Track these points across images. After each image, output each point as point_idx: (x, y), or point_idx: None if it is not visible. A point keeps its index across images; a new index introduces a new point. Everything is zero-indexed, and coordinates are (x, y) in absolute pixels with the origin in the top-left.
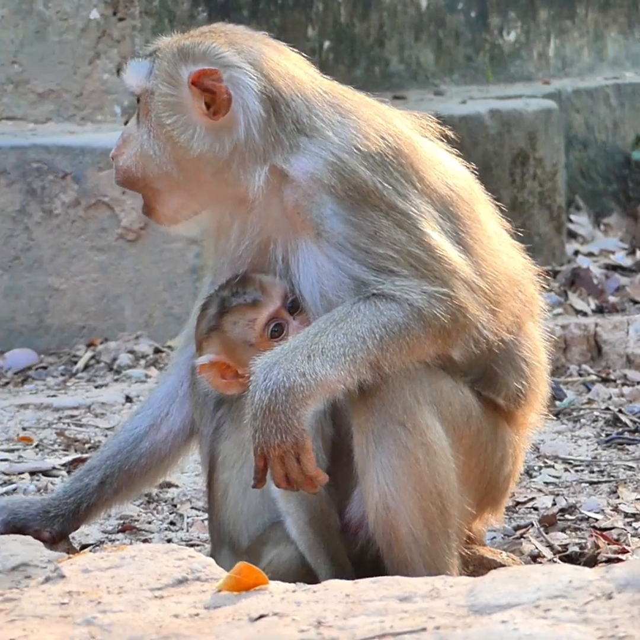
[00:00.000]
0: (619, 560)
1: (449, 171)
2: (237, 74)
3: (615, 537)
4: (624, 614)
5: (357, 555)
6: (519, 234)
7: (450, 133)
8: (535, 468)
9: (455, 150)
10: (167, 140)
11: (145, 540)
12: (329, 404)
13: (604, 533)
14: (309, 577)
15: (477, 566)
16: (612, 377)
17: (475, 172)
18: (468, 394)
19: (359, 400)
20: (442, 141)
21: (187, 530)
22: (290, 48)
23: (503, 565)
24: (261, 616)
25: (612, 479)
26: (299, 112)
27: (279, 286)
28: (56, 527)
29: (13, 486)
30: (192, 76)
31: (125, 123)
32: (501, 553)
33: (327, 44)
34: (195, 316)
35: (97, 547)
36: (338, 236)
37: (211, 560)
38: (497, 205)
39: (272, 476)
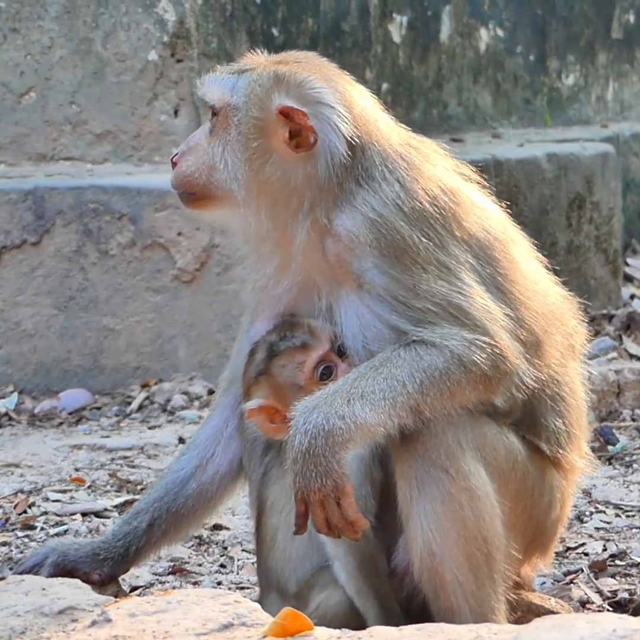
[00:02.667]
0: None
1: (485, 213)
2: (330, 115)
3: None
4: None
5: (404, 602)
6: (575, 277)
7: (506, 177)
8: (587, 513)
9: (513, 193)
10: (241, 159)
11: (195, 583)
12: (378, 448)
13: None
14: (357, 622)
15: (525, 612)
16: None
17: (532, 215)
18: (513, 439)
19: (402, 446)
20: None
21: (237, 573)
22: None
23: (551, 611)
24: None
25: None
26: (371, 161)
27: (326, 330)
28: (106, 570)
29: (65, 527)
30: (282, 108)
31: None
32: (550, 599)
33: (385, 86)
34: (240, 359)
35: (147, 589)
36: (378, 288)
37: (257, 606)
38: (553, 248)
39: (313, 521)
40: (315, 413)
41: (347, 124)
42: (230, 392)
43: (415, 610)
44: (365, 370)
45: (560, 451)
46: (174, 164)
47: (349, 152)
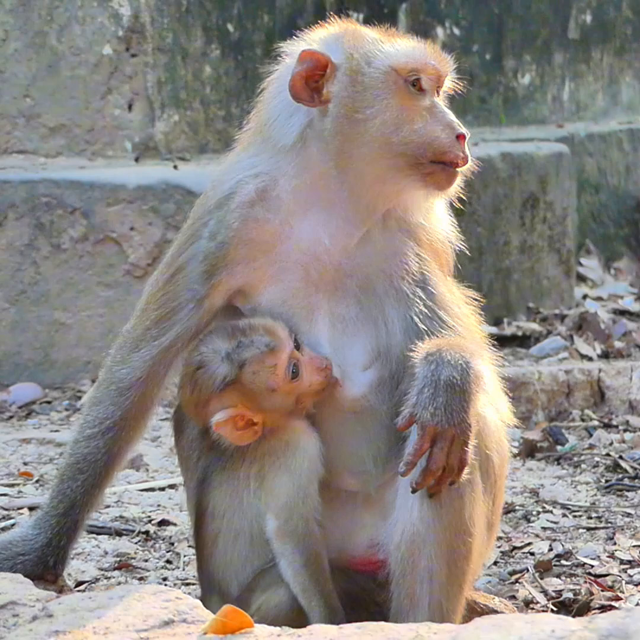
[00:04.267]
0: (612, 607)
1: None
2: None
3: (609, 584)
4: None
5: (359, 593)
6: (528, 277)
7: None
8: (534, 513)
9: (466, 192)
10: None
11: (141, 579)
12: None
13: (599, 580)
14: (298, 622)
15: (468, 611)
16: (614, 422)
17: (485, 214)
18: (505, 433)
19: None
20: None
21: (183, 569)
22: None
23: (495, 611)
24: None
25: (609, 525)
26: None
27: (281, 326)
28: (57, 571)
29: (12, 521)
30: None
31: (136, 159)
32: (494, 598)
33: None
34: (176, 330)
35: (93, 585)
36: (430, 298)
37: (198, 603)
38: (506, 248)
39: (432, 459)
40: (455, 352)
41: None
42: (166, 360)
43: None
44: (456, 339)
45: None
46: (464, 137)
47: None
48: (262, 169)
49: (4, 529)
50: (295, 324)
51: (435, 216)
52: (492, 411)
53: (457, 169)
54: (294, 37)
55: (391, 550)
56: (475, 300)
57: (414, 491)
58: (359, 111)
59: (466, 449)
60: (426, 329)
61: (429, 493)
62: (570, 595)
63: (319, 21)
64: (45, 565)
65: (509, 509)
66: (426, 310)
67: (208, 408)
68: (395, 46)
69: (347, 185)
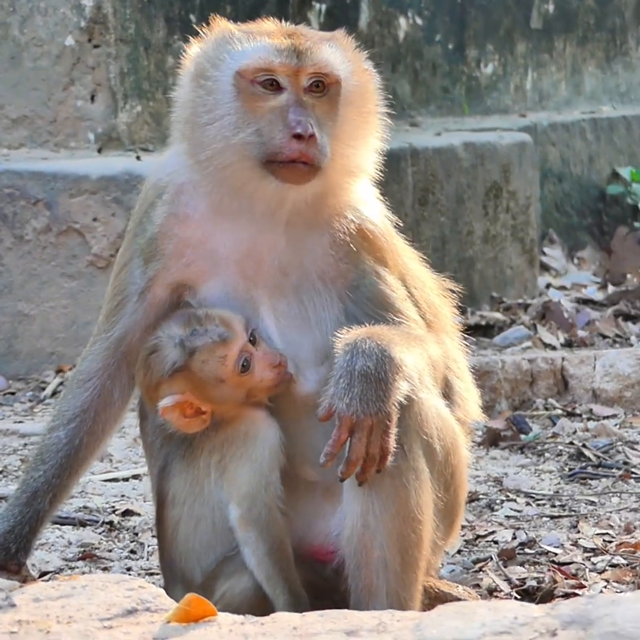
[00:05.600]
0: (575, 595)
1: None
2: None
3: (573, 572)
4: None
5: (321, 583)
6: (491, 266)
7: (423, 165)
8: (497, 501)
9: (430, 182)
10: (352, 132)
11: (105, 569)
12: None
13: (562, 568)
14: (262, 608)
15: (432, 599)
16: (577, 411)
17: (448, 204)
18: (454, 420)
19: None
20: None
21: (148, 559)
22: None
23: (458, 599)
24: None
25: (573, 513)
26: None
27: (238, 319)
28: (20, 559)
29: None
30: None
31: (99, 150)
32: (457, 586)
33: None
34: (131, 320)
35: (56, 575)
36: (374, 292)
37: (161, 591)
38: (469, 237)
39: (351, 450)
40: (372, 341)
41: None
42: (117, 352)
43: (327, 594)
44: (382, 328)
45: (466, 412)
46: (307, 137)
47: None
48: (181, 166)
49: None
50: (246, 319)
51: (365, 208)
52: (433, 397)
53: (301, 165)
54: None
55: (343, 543)
56: (445, 285)
57: (341, 480)
58: (199, 116)
59: (387, 437)
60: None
61: (358, 481)
62: (534, 583)
63: (281, 12)
64: (8, 553)
65: (472, 498)
66: (359, 310)
67: (158, 392)
68: (244, 47)
69: (220, 188)
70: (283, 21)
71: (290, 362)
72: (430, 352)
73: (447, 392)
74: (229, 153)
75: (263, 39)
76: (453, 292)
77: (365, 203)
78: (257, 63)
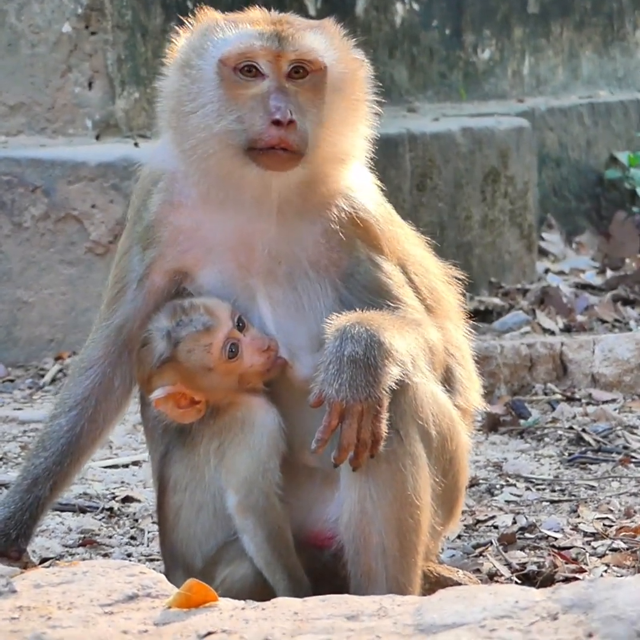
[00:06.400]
0: (576, 579)
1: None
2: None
3: (573, 556)
4: (569, 635)
5: (322, 568)
6: (489, 251)
7: (421, 151)
8: (497, 486)
9: (428, 167)
10: (339, 120)
11: (105, 555)
12: (281, 419)
13: (563, 552)
14: (263, 593)
15: (432, 584)
16: (577, 396)
17: (446, 189)
18: (451, 406)
19: None
20: None
21: (148, 545)
22: None
23: (459, 584)
24: (209, 633)
25: (573, 498)
26: (346, 143)
27: (223, 306)
28: (21, 545)
29: None
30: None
31: (97, 137)
32: (458, 571)
33: None
34: (130, 307)
35: (58, 561)
36: (369, 280)
37: (162, 577)
38: (467, 222)
39: (342, 436)
40: (362, 325)
41: None
42: (118, 340)
43: (333, 577)
44: (373, 313)
45: (467, 400)
46: (286, 123)
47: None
48: (168, 155)
49: None
50: (241, 306)
51: (359, 195)
52: (429, 382)
53: (280, 151)
54: None
55: (342, 529)
56: (450, 273)
57: (335, 466)
58: (184, 105)
59: (378, 423)
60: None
61: (352, 466)
62: (534, 567)
63: None
64: (8, 539)
65: (472, 483)
66: (354, 297)
67: (151, 385)
68: (227, 35)
69: (206, 177)
70: (280, 9)
71: (286, 348)
72: (428, 336)
73: (449, 379)
74: (212, 141)
75: (246, 26)
76: (458, 280)
77: (358, 190)
78: (238, 49)
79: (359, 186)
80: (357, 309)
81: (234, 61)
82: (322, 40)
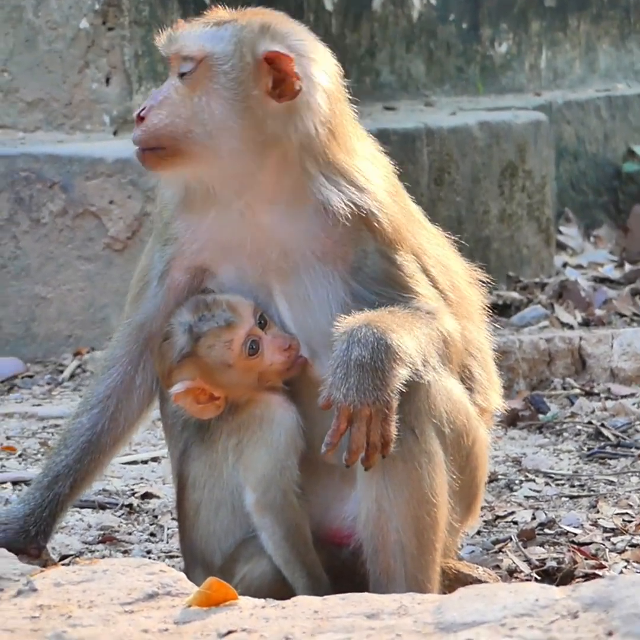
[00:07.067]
0: (595, 575)
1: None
2: (315, 68)
3: (593, 552)
4: (589, 634)
5: (341, 565)
6: (507, 246)
7: (439, 145)
8: (516, 482)
9: (445, 161)
10: (227, 109)
11: (125, 552)
12: (301, 416)
13: (582, 548)
14: (282, 591)
15: (452, 581)
16: (595, 390)
17: (464, 183)
18: (468, 403)
19: None
20: None
21: (167, 542)
22: None
23: (479, 581)
24: (230, 632)
25: (592, 493)
26: (348, 134)
27: (246, 304)
28: (40, 542)
29: None
30: (268, 53)
31: (115, 133)
32: (477, 568)
33: None
34: (150, 305)
35: (77, 558)
36: (378, 272)
37: (182, 575)
38: (485, 217)
39: (351, 439)
40: (370, 328)
41: (330, 81)
42: (139, 338)
43: (353, 575)
44: (386, 312)
45: (487, 400)
46: (140, 119)
47: (331, 116)
48: None
49: None
50: (260, 304)
51: (359, 187)
52: (443, 379)
53: (141, 151)
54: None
55: (360, 528)
56: (475, 275)
57: (347, 467)
58: None
59: (387, 425)
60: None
61: (364, 467)
62: (554, 563)
63: None
64: (27, 535)
65: (491, 478)
66: (365, 290)
67: (171, 379)
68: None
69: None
70: (297, 5)
71: (304, 345)
72: (442, 327)
73: (468, 379)
74: None
75: (166, 31)
76: (483, 282)
77: (358, 182)
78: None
79: (360, 178)
80: (371, 302)
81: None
82: (210, 36)
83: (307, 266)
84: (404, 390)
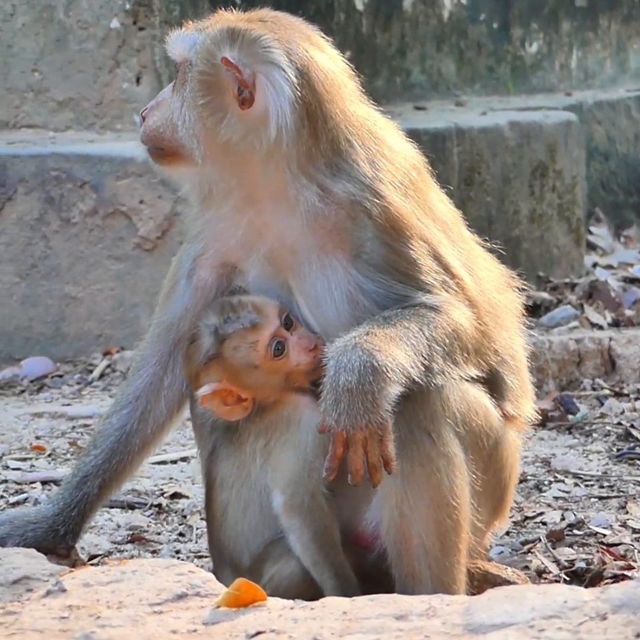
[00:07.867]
0: (624, 576)
1: (441, 194)
2: (277, 76)
3: (622, 553)
4: (618, 635)
5: (366, 569)
6: (537, 246)
7: (469, 145)
8: (545, 482)
9: (476, 161)
10: (196, 114)
11: (154, 552)
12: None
13: (611, 549)
14: (311, 592)
15: (480, 582)
16: (625, 391)
17: (494, 183)
18: (487, 402)
19: None
20: None
21: (196, 542)
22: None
23: (508, 581)
24: (258, 633)
25: (621, 494)
26: (336, 132)
27: (271, 305)
28: (69, 542)
29: (24, 496)
30: (222, 59)
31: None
32: (506, 568)
33: (348, 54)
34: (178, 304)
35: (106, 558)
36: (378, 258)
37: (211, 576)
38: (515, 217)
39: (349, 462)
40: (356, 351)
41: (294, 87)
42: (168, 338)
43: (381, 576)
44: (380, 322)
45: (518, 408)
46: (143, 119)
47: (306, 118)
48: None
49: (17, 503)
50: (285, 304)
51: (355, 178)
52: (455, 381)
53: (147, 149)
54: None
55: (383, 533)
56: (512, 283)
57: (354, 486)
58: None
59: (384, 445)
60: (396, 298)
61: (371, 484)
62: (583, 564)
63: None
64: (56, 535)
65: (520, 479)
66: (367, 280)
67: (198, 381)
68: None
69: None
70: (328, 3)
71: (328, 343)
72: (450, 318)
73: (499, 387)
74: None
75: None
76: (520, 289)
77: (355, 175)
78: None
79: (360, 171)
80: (374, 293)
81: None
82: (189, 41)
83: (311, 261)
84: (416, 396)
